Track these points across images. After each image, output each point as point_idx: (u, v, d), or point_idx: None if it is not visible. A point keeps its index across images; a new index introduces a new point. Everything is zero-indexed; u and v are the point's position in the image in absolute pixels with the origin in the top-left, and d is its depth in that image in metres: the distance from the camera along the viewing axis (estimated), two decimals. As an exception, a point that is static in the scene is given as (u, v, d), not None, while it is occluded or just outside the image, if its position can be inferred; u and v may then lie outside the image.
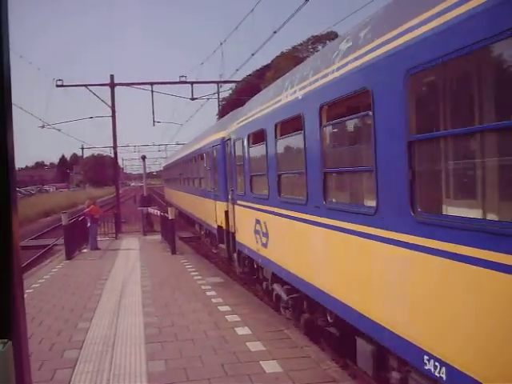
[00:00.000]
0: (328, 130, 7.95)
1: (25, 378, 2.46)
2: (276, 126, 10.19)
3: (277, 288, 11.22)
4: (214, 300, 12.12)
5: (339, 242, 7.43)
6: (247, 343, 8.83)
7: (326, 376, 7.37)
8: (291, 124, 9.53)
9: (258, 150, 12.05)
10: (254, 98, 13.78)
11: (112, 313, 11.42)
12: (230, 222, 16.48)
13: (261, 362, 7.89)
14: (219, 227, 18.58)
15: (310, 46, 61.54)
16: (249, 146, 12.77)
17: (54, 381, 7.59)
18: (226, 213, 16.99)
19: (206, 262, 19.13)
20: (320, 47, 54.66)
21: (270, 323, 10.10)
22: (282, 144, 10.36)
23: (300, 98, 8.72)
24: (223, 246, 18.07)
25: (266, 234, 11.52)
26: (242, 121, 13.69)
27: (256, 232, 12.39)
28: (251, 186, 12.76)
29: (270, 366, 7.71)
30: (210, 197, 20.60)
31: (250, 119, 12.63)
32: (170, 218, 21.20)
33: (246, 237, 13.93)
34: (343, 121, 7.67)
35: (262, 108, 11.53)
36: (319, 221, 8.04)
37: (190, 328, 9.96)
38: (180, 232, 27.86)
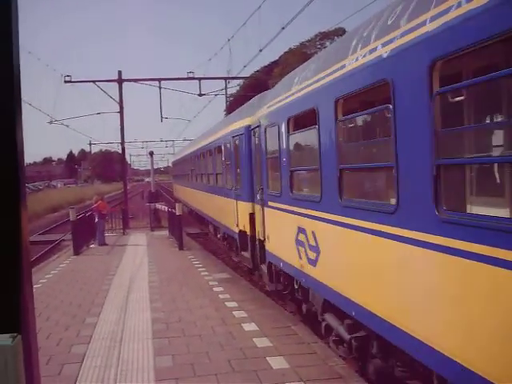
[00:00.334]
0: (446, 99, 5.27)
1: (33, 372, 2.48)
2: (337, 102, 7.33)
3: (330, 320, 8.58)
4: (221, 296, 12.14)
5: (466, 274, 4.72)
6: (254, 339, 8.84)
7: (332, 373, 7.37)
8: (366, 97, 7.17)
9: (303, 138, 9.66)
10: (296, 72, 10.62)
11: (120, 308, 11.47)
12: (258, 227, 13.73)
13: (267, 358, 7.90)
14: (241, 232, 15.83)
15: (317, 43, 61.41)
16: (288, 133, 9.95)
17: (62, 375, 7.63)
18: (252, 216, 14.41)
19: (213, 257, 19.15)
20: (328, 43, 54.53)
21: (276, 319, 10.11)
22: (349, 126, 7.68)
23: (386, 56, 5.96)
24: (246, 254, 15.37)
25: (314, 248, 8.69)
26: (277, 102, 10.92)
27: (298, 243, 9.60)
28: (291, 183, 9.97)
29: (277, 362, 7.72)
30: (229, 196, 17.56)
31: (291, 99, 9.81)
32: (177, 213, 21.24)
33: (281, 247, 11.12)
34: (481, 81, 4.73)
35: (310, 82, 8.67)
36: (423, 239, 5.29)
37: (198, 324, 9.99)
38: (187, 228, 27.91)
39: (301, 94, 9.19)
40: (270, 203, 11.89)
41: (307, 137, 9.30)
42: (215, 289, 12.95)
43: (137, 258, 18.98)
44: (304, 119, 9.23)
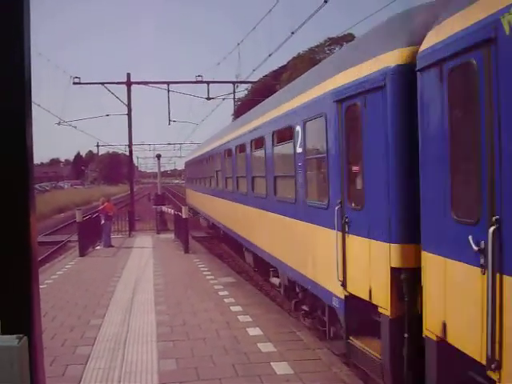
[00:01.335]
0: None
1: (39, 373, 2.48)
2: None
3: None
4: (226, 300, 12.12)
5: None
6: (258, 344, 8.82)
7: (337, 379, 7.35)
8: None
9: None
10: None
11: (124, 310, 11.47)
12: (439, 313, 5.76)
13: (272, 364, 7.88)
14: (355, 299, 7.74)
15: (326, 48, 61.43)
16: None
17: (66, 376, 7.64)
18: (404, 275, 6.60)
19: (218, 261, 19.15)
20: (337, 49, 54.55)
21: (281, 324, 10.09)
22: None
23: None
24: (373, 351, 7.28)
25: None
26: None
27: None
28: None
29: (281, 368, 7.70)
30: (318, 220, 9.33)
31: None
32: (183, 216, 21.25)
33: None
34: None
35: None
36: None
37: (202, 327, 9.98)
38: (193, 231, 27.91)
39: None
40: None
41: None
42: (220, 293, 12.93)
43: (142, 260, 18.99)
44: None
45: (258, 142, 14.47)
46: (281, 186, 12.38)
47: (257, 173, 14.69)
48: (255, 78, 44.27)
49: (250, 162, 15.57)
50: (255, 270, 16.98)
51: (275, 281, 13.30)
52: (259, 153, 14.38)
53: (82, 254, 20.54)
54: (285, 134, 11.78)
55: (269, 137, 12.98)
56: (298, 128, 10.35)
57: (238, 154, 17.68)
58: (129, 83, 32.50)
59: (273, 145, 12.72)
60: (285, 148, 11.79)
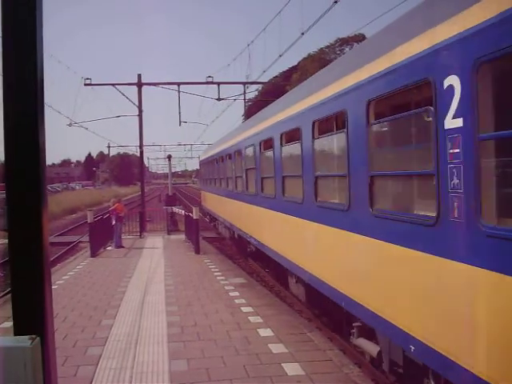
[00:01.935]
0: None
1: (51, 373, 2.49)
2: None
3: None
4: (236, 301, 12.12)
5: None
6: (269, 345, 8.80)
7: (348, 380, 7.32)
8: None
9: None
10: None
11: (135, 311, 11.50)
12: None
13: (283, 365, 7.86)
14: None
15: (337, 49, 61.28)
16: None
17: (78, 377, 7.67)
18: None
19: (229, 262, 19.13)
20: (347, 49, 54.41)
21: (292, 325, 10.07)
22: None
23: None
24: None
25: None
26: None
27: None
28: None
29: (292, 369, 7.68)
30: None
31: None
32: (194, 217, 21.27)
33: None
34: None
35: None
36: None
37: (213, 328, 9.97)
38: (204, 232, 27.94)
39: None
40: None
41: None
42: (231, 293, 12.93)
43: (153, 261, 19.03)
44: None
45: (330, 123, 9.11)
46: (387, 191, 7.42)
47: (326, 170, 9.81)
48: (265, 78, 44.12)
49: (310, 156, 10.05)
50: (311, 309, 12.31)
51: (369, 347, 8.16)
52: (332, 139, 9.25)
53: (94, 254, 20.61)
54: (407, 98, 6.60)
55: (357, 109, 7.53)
56: (455, 80, 5.05)
57: (285, 146, 12.22)
58: (140, 84, 32.62)
59: (368, 123, 7.21)
60: (407, 123, 6.70)
